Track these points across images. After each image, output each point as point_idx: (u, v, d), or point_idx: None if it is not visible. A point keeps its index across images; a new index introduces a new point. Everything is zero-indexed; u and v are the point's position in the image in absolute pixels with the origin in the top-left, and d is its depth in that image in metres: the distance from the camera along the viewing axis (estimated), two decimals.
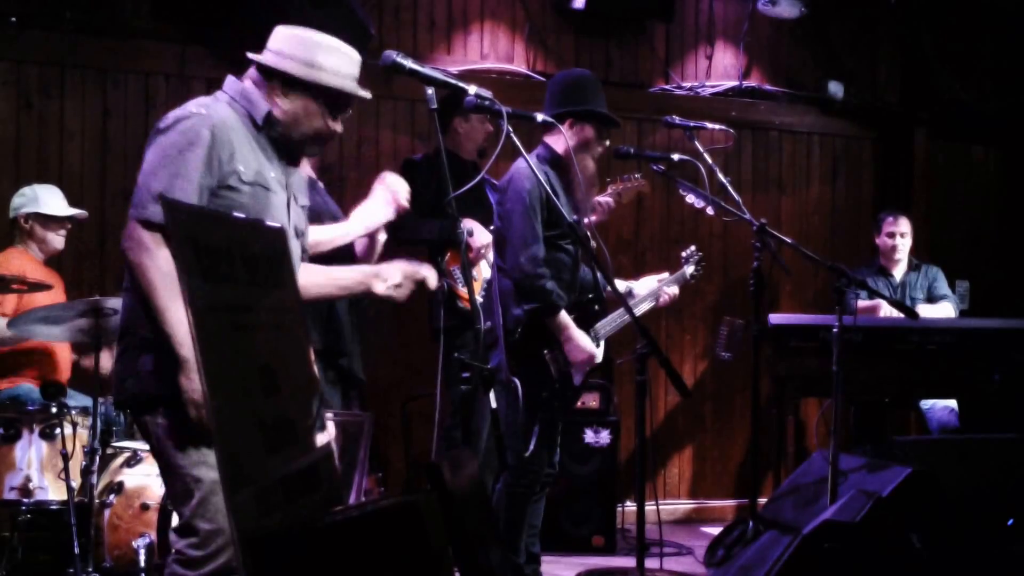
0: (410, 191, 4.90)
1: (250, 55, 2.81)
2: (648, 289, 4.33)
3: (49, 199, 4.64)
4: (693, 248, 4.57)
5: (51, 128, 5.17)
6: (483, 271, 4.84)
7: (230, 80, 2.83)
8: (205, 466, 2.56)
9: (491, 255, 4.77)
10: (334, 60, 2.79)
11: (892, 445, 4.63)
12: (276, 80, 2.77)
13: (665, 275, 4.42)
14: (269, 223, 2.43)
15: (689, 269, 4.48)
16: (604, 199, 4.60)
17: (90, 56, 5.20)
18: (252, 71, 2.81)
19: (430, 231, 4.71)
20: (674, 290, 4.35)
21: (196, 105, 2.71)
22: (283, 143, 2.82)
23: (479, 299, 4.38)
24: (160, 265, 2.51)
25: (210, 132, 2.63)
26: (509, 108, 2.90)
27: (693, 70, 6.37)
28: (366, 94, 2.85)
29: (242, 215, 2.58)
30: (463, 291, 4.79)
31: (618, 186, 4.78)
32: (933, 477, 3.80)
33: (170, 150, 2.61)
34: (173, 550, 2.60)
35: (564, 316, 3.96)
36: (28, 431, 4.00)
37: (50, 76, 5.17)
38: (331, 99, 2.81)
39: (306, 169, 3.70)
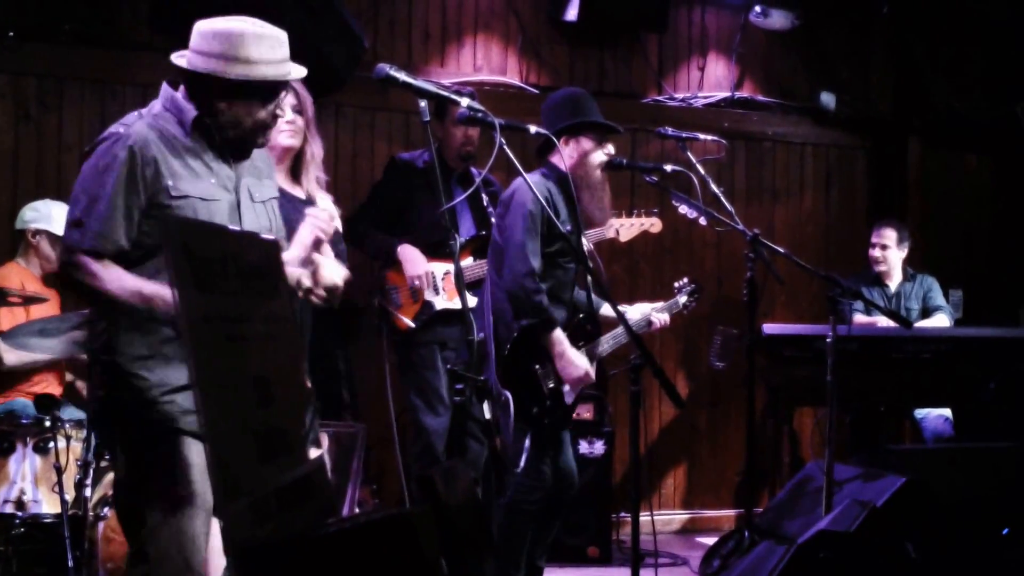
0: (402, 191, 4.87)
1: (175, 60, 2.74)
2: (641, 314, 4.33)
3: (61, 220, 4.63)
4: (687, 279, 4.58)
5: (49, 140, 5.16)
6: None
7: (164, 87, 2.79)
8: (162, 496, 2.54)
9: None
10: (264, 49, 2.69)
11: (886, 454, 4.64)
12: (212, 85, 2.68)
13: (659, 303, 4.43)
14: (264, 235, 2.44)
15: (682, 299, 4.49)
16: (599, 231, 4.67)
17: (88, 68, 5.19)
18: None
19: (377, 248, 4.73)
20: (665, 317, 4.37)
21: (118, 124, 2.70)
22: (227, 141, 2.76)
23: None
24: (106, 278, 2.56)
25: (127, 152, 2.61)
26: (502, 120, 2.87)
27: (686, 81, 6.40)
28: (300, 72, 2.78)
29: None
30: (400, 316, 4.75)
31: (622, 220, 4.81)
32: (927, 486, 3.81)
33: (89, 175, 2.63)
34: None
35: (559, 333, 3.95)
36: (22, 444, 3.99)
37: (48, 88, 5.17)
38: (269, 89, 2.73)
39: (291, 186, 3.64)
